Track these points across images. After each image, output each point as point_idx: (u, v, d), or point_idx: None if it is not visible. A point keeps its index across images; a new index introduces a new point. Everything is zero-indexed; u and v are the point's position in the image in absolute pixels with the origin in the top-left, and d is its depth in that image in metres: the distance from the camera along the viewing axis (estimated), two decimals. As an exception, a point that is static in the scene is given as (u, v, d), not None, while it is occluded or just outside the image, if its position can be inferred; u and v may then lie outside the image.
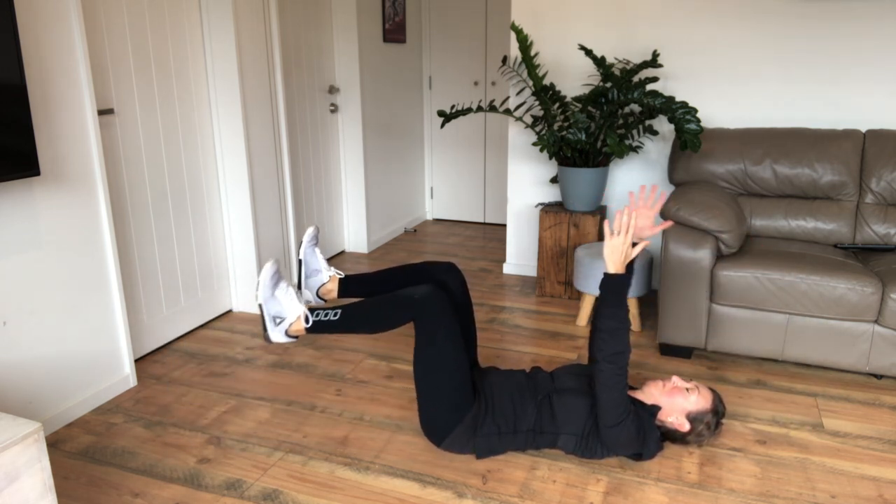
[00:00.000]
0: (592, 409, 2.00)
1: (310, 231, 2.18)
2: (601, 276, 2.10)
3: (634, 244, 2.05)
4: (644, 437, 1.98)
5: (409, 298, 1.95)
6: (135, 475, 2.00)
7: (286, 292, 2.04)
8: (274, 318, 2.04)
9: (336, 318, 2.00)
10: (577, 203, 3.35)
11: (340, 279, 2.22)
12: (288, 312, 2.04)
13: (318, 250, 2.21)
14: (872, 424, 2.25)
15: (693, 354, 2.80)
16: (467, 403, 2.00)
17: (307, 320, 2.02)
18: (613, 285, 1.94)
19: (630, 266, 2.03)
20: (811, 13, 3.04)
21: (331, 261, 4.22)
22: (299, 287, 2.20)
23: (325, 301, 2.26)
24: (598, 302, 2.02)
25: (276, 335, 2.05)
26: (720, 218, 2.55)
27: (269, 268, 2.03)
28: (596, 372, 1.91)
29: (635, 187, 3.53)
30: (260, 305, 2.04)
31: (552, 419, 2.01)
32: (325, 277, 2.20)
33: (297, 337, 2.07)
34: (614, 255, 1.96)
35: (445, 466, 2.02)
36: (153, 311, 2.85)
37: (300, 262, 2.18)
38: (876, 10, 2.94)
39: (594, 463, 2.04)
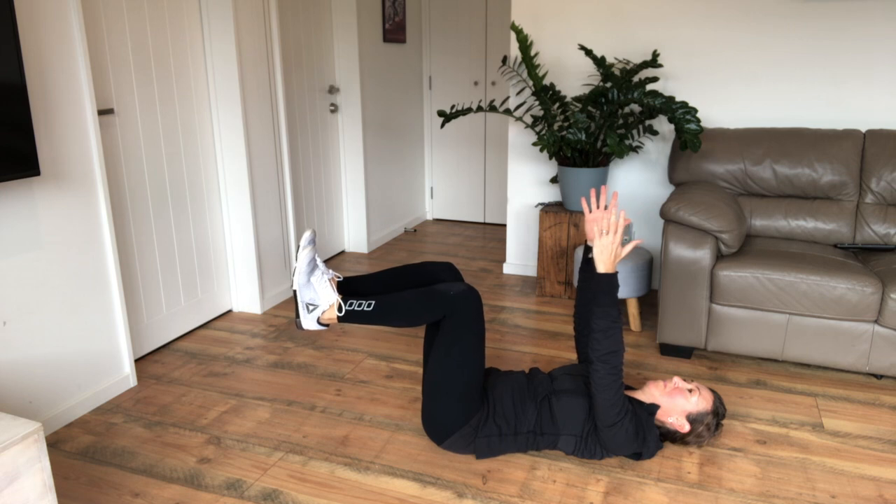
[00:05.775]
0: (591, 410, 2.00)
1: None
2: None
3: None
4: (643, 436, 1.98)
5: (446, 294, 1.95)
6: (135, 475, 2.00)
7: (321, 280, 2.04)
8: (307, 305, 2.04)
9: (370, 308, 2.00)
10: (577, 203, 3.35)
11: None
12: (322, 300, 2.03)
13: None
14: (872, 424, 2.25)
15: (693, 354, 2.80)
16: (477, 405, 2.01)
17: (340, 309, 2.02)
18: (606, 285, 1.94)
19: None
20: (811, 13, 3.04)
21: (330, 261, 4.22)
22: None
23: None
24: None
25: (309, 322, 2.05)
26: (720, 218, 2.55)
27: (306, 254, 2.02)
28: (591, 372, 1.92)
29: (635, 187, 3.53)
30: (294, 291, 2.04)
31: (552, 420, 2.01)
32: None
33: (328, 325, 2.07)
34: (604, 254, 1.96)
35: (445, 466, 2.02)
36: (153, 311, 2.85)
37: None
38: (876, 10, 2.94)
39: (594, 463, 2.04)
